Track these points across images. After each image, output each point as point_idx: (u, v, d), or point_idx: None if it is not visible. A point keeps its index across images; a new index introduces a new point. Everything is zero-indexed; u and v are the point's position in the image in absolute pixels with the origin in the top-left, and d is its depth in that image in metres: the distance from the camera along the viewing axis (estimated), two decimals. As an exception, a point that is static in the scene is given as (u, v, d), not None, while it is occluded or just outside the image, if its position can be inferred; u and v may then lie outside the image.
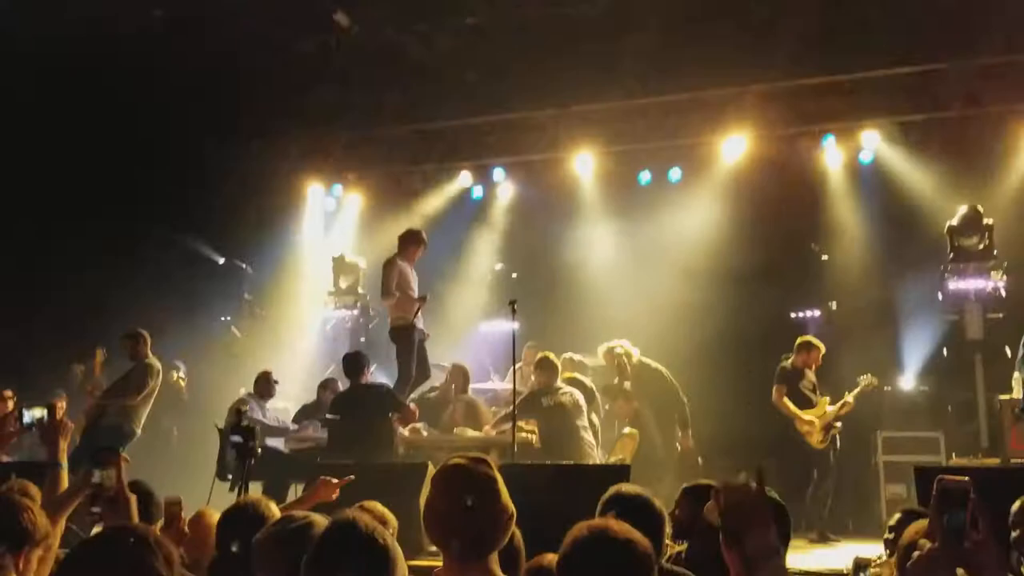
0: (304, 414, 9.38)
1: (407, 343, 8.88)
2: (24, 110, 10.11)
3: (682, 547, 3.68)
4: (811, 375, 9.00)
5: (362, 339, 11.65)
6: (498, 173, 12.25)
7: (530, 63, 10.51)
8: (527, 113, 11.81)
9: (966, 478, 1.99)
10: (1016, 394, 7.96)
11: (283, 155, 12.60)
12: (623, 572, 2.39)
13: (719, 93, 11.00)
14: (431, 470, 5.95)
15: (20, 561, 2.61)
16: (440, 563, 2.57)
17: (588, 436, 8.11)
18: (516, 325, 8.07)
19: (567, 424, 8.05)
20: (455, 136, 12.18)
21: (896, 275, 10.26)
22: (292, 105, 11.91)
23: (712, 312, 10.43)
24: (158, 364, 8.59)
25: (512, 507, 2.57)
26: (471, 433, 8.65)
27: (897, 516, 4.08)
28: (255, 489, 8.18)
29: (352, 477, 4.30)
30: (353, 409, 7.99)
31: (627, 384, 9.05)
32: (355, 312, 12.02)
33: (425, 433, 8.45)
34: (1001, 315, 9.40)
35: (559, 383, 8.39)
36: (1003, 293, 9.41)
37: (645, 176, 11.66)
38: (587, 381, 9.07)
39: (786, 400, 8.73)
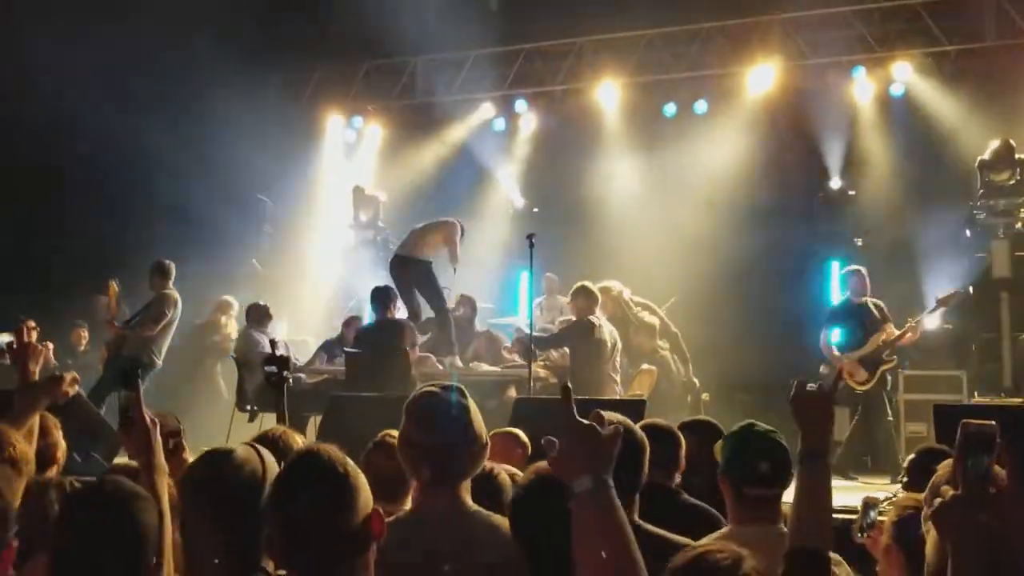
0: (326, 349, 9.40)
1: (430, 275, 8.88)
2: (34, 40, 10.03)
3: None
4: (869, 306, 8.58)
5: (381, 272, 11.62)
6: (520, 104, 12.06)
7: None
8: (550, 42, 11.60)
9: (992, 422, 1.93)
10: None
11: (302, 87, 12.48)
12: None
13: (746, 22, 10.75)
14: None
15: None
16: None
17: (617, 382, 8.04)
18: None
19: (603, 365, 7.95)
20: (476, 67, 11.98)
21: (924, 211, 10.05)
22: (311, 36, 11.77)
23: (736, 247, 10.32)
24: (176, 295, 8.60)
25: (486, 437, 2.56)
26: (486, 367, 8.66)
27: (911, 457, 4.00)
28: (270, 420, 8.30)
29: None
30: (372, 343, 8.00)
31: (651, 319, 8.94)
32: (375, 246, 11.98)
33: (440, 367, 8.46)
34: (1030, 252, 9.23)
35: (602, 317, 8.22)
36: (1033, 230, 9.23)
37: (670, 108, 11.45)
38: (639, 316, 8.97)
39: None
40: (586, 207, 11.64)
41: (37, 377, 3.20)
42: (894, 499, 3.48)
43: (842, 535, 3.58)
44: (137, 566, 2.09)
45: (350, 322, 9.46)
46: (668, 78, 11.26)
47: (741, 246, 10.32)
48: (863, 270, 8.58)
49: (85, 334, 10.47)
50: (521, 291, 11.36)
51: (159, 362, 8.50)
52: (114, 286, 8.71)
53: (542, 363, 8.32)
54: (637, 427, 2.93)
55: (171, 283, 8.65)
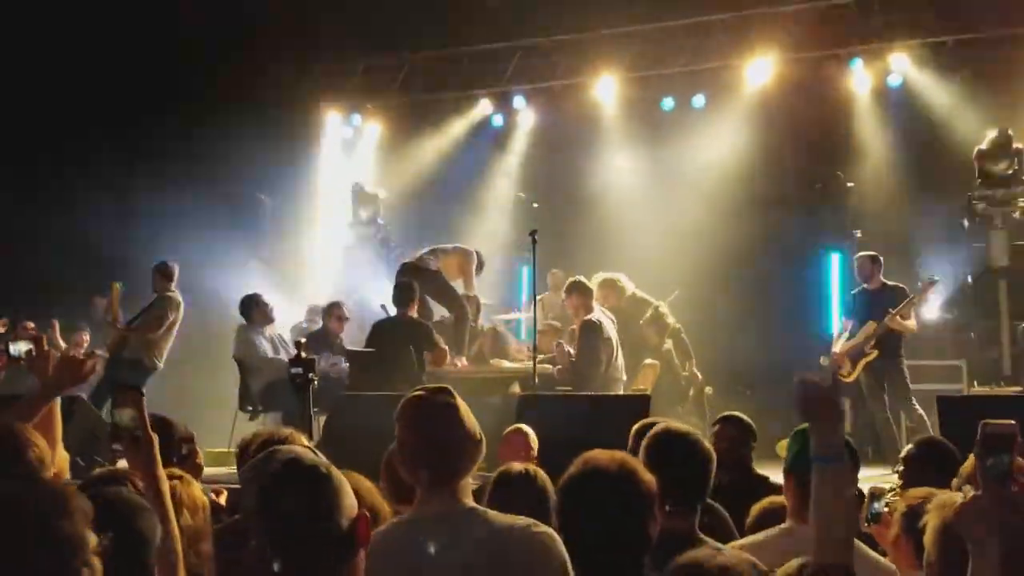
0: (314, 340, 9.30)
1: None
2: (37, 41, 10.04)
3: None
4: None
5: (381, 269, 11.64)
6: (518, 100, 12.07)
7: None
8: (548, 38, 11.61)
9: (1011, 422, 1.94)
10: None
11: (300, 84, 12.47)
12: (614, 507, 2.39)
13: (743, 15, 10.75)
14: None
15: None
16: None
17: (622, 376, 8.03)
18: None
19: (609, 364, 7.90)
20: (474, 63, 11.99)
21: (922, 201, 10.09)
22: (309, 33, 11.77)
23: (735, 239, 10.35)
24: (179, 297, 8.61)
25: (479, 433, 2.59)
26: (491, 364, 8.68)
27: (909, 448, 4.01)
28: (274, 419, 8.32)
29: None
30: (382, 340, 8.02)
31: (663, 314, 8.96)
32: (375, 243, 11.99)
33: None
34: (1027, 241, 9.28)
35: (599, 310, 8.19)
36: (1031, 219, 9.26)
37: (668, 102, 11.47)
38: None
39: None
40: (586, 201, 11.67)
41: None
42: (903, 492, 3.51)
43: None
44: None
45: (331, 310, 9.16)
46: (666, 72, 11.26)
47: (741, 238, 10.35)
48: (864, 255, 8.55)
49: (86, 337, 10.49)
50: (523, 286, 11.40)
51: (160, 364, 8.52)
52: (117, 287, 8.68)
53: (547, 359, 8.33)
54: (701, 442, 2.94)
55: (173, 285, 8.65)
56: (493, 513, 2.49)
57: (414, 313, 8.24)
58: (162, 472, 2.61)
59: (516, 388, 7.87)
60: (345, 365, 8.37)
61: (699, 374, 9.00)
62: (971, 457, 3.00)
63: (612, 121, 11.67)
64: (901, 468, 3.83)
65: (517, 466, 3.41)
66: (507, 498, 3.09)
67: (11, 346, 3.12)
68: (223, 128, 11.30)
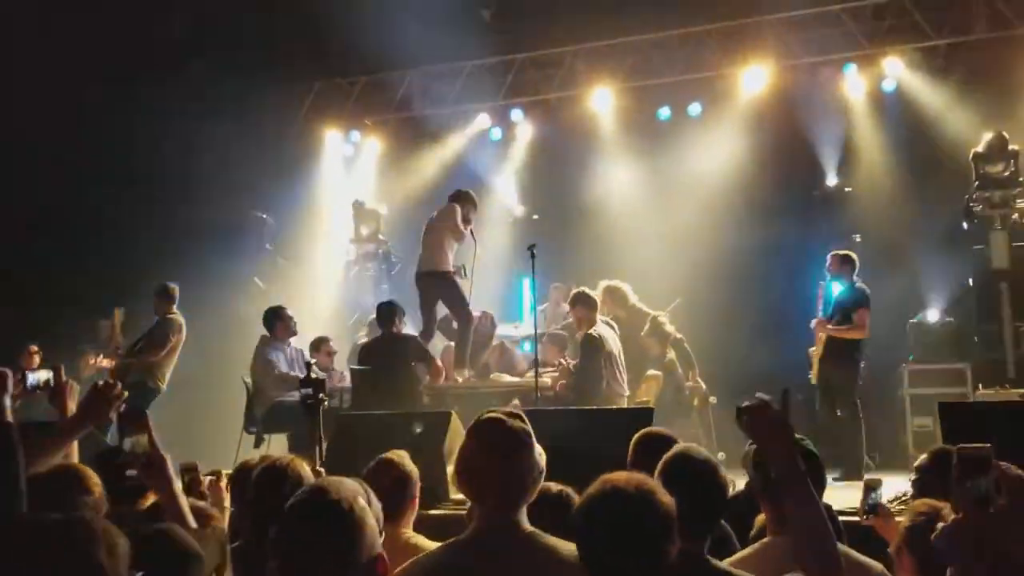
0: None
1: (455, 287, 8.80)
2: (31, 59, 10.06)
3: None
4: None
5: (384, 286, 11.67)
6: (516, 114, 12.12)
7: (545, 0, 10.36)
8: (543, 52, 11.66)
9: (987, 445, 1.96)
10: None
11: (299, 102, 12.53)
12: (635, 530, 2.39)
13: (737, 24, 10.80)
14: (454, 419, 6.00)
15: None
16: (461, 511, 2.60)
17: (624, 391, 8.02)
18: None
19: (610, 377, 7.87)
20: (472, 77, 12.04)
21: (920, 205, 10.11)
22: (307, 50, 11.82)
23: (734, 247, 10.38)
24: (181, 319, 8.61)
25: (542, 463, 2.61)
26: (492, 379, 8.69)
27: (923, 459, 4.00)
28: (278, 440, 8.33)
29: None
30: (378, 359, 8.03)
31: (668, 327, 8.97)
32: (377, 259, 12.02)
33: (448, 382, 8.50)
34: (1028, 243, 9.28)
35: (600, 322, 8.15)
36: (1030, 220, 9.27)
37: (664, 112, 11.52)
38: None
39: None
40: (585, 213, 11.70)
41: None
42: (909, 502, 3.51)
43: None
44: None
45: (319, 345, 9.00)
46: (661, 82, 11.31)
47: (740, 246, 10.38)
48: (832, 254, 8.54)
49: (93, 360, 10.51)
50: (524, 299, 11.41)
51: (164, 386, 8.52)
52: (119, 313, 8.70)
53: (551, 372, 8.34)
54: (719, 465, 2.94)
55: (175, 306, 8.65)
56: (552, 538, 2.50)
57: (398, 329, 8.23)
58: (179, 489, 2.64)
59: (517, 402, 7.87)
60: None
61: (703, 384, 9.01)
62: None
63: (609, 132, 11.72)
64: (914, 477, 3.84)
65: (554, 487, 3.41)
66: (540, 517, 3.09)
67: (29, 375, 3.14)
68: (222, 147, 11.36)
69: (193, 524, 2.66)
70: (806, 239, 10.57)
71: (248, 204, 12.29)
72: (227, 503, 3.58)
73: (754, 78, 10.78)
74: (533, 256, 7.72)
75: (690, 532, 2.78)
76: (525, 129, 12.31)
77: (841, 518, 3.81)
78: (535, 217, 12.26)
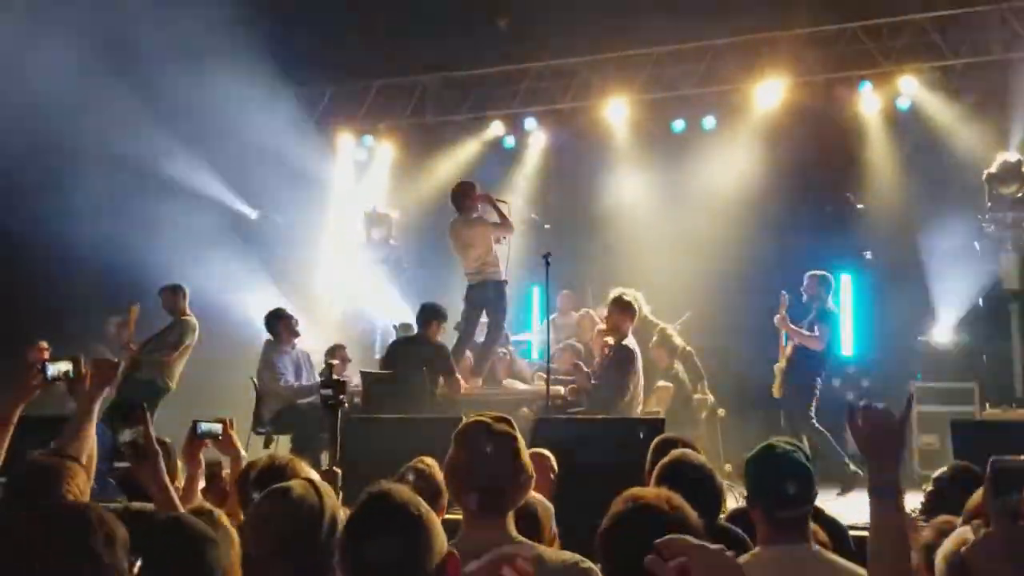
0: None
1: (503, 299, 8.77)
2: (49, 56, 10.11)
3: None
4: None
5: (395, 290, 11.70)
6: (530, 122, 12.14)
7: (561, 10, 10.39)
8: (559, 61, 11.70)
9: (1022, 457, 1.94)
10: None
11: (313, 106, 12.57)
12: None
13: (753, 38, 10.82)
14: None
15: None
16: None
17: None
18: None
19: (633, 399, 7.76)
20: (486, 85, 12.08)
21: (933, 224, 10.11)
22: (321, 55, 11.87)
23: (745, 261, 10.37)
24: (195, 321, 8.64)
25: (532, 470, 2.61)
26: (505, 387, 8.69)
27: (944, 470, 4.00)
28: (284, 442, 8.35)
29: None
30: (396, 361, 8.03)
31: (677, 340, 8.98)
32: (388, 264, 12.04)
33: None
34: (1040, 265, 9.28)
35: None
36: (1042, 242, 9.28)
37: (678, 124, 11.53)
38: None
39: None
40: (596, 223, 11.72)
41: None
42: (928, 518, 3.51)
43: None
44: None
45: (335, 352, 8.91)
46: (676, 95, 11.33)
47: (751, 260, 10.37)
48: (809, 275, 8.66)
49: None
50: (533, 308, 11.43)
51: (173, 386, 8.55)
52: (135, 310, 8.73)
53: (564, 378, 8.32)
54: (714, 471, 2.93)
55: (188, 307, 8.68)
56: (542, 547, 2.51)
57: (435, 334, 8.21)
58: (168, 482, 2.67)
59: (525, 410, 7.84)
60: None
61: (710, 396, 9.01)
62: (976, 494, 3.01)
63: (622, 143, 11.72)
64: (930, 488, 3.84)
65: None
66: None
67: (49, 367, 3.16)
68: (236, 148, 11.41)
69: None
70: (817, 255, 10.54)
71: (260, 206, 12.35)
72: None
73: (769, 93, 10.78)
74: (548, 264, 7.71)
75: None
76: (538, 138, 12.33)
77: (852, 533, 3.81)
78: (547, 226, 12.24)
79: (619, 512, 2.33)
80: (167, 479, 2.83)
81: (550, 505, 3.25)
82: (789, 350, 8.50)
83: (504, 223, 8.61)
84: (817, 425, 8.17)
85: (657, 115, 11.54)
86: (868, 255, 10.45)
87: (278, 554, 2.16)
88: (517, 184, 12.40)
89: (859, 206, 10.87)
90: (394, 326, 9.12)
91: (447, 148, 12.37)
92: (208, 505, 2.93)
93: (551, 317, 9.58)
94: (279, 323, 8.57)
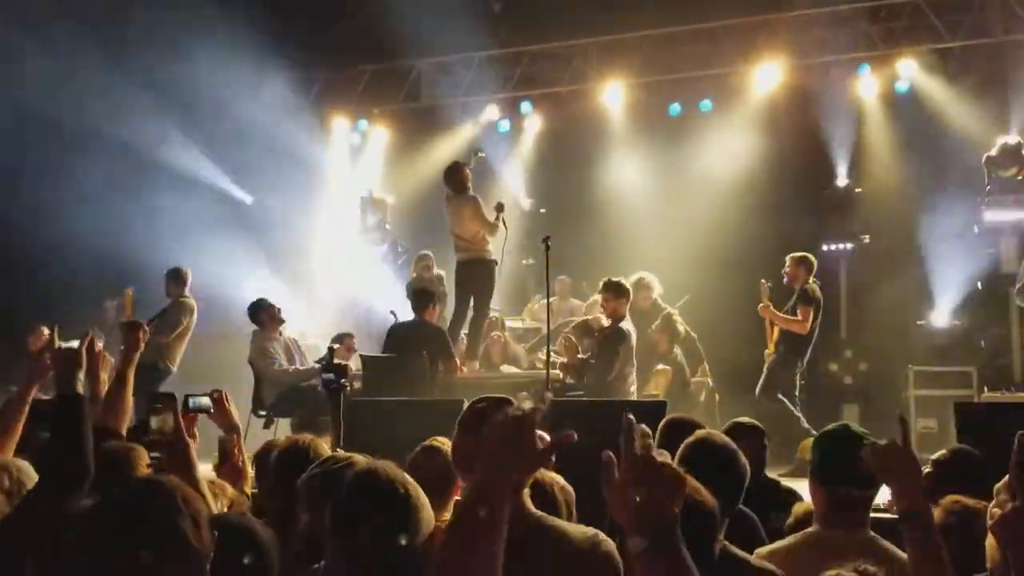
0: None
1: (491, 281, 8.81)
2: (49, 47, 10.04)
3: None
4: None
5: (390, 272, 11.65)
6: (525, 106, 12.07)
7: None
8: (554, 44, 11.62)
9: None
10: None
11: (307, 90, 12.48)
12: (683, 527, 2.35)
13: (750, 20, 10.76)
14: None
15: None
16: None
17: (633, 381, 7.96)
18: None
19: (628, 369, 7.80)
20: (481, 68, 12.00)
21: (931, 207, 10.09)
22: (315, 38, 11.77)
23: (743, 244, 10.34)
24: (193, 302, 8.61)
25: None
26: (504, 371, 8.66)
27: (943, 452, 3.99)
28: (285, 425, 8.31)
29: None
30: (396, 344, 8.04)
31: (675, 320, 8.96)
32: (383, 248, 11.98)
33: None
34: (1038, 248, 9.28)
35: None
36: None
37: (675, 107, 11.47)
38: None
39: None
40: (593, 207, 11.66)
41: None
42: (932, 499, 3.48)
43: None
44: None
45: (341, 339, 8.85)
46: (673, 78, 11.26)
47: (748, 243, 10.34)
48: (789, 256, 8.65)
49: (99, 344, 10.43)
50: (530, 291, 11.38)
51: (174, 368, 8.53)
52: (130, 293, 8.71)
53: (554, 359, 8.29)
54: (739, 452, 2.88)
55: (187, 290, 8.65)
56: (559, 522, 2.47)
57: (431, 318, 8.23)
58: (200, 475, 2.62)
59: (524, 395, 7.82)
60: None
61: (709, 379, 9.00)
62: (1006, 477, 2.98)
63: (619, 126, 11.67)
64: (929, 470, 3.82)
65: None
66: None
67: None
68: (230, 133, 11.33)
69: (214, 509, 2.63)
70: (815, 238, 10.56)
71: (255, 190, 12.27)
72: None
73: (767, 76, 10.73)
74: (547, 248, 7.67)
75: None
76: (534, 121, 12.27)
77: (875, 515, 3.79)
78: (542, 210, 12.21)
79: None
80: (197, 473, 2.78)
81: (571, 489, 3.19)
82: (776, 335, 8.45)
83: (493, 226, 8.66)
84: (779, 396, 8.20)
85: (654, 98, 11.48)
86: (866, 238, 10.41)
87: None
88: (512, 168, 12.35)
89: (857, 189, 10.84)
90: (392, 312, 9.09)
91: (442, 132, 12.29)
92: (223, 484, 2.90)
93: (551, 299, 9.55)
94: (262, 313, 8.61)
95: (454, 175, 8.89)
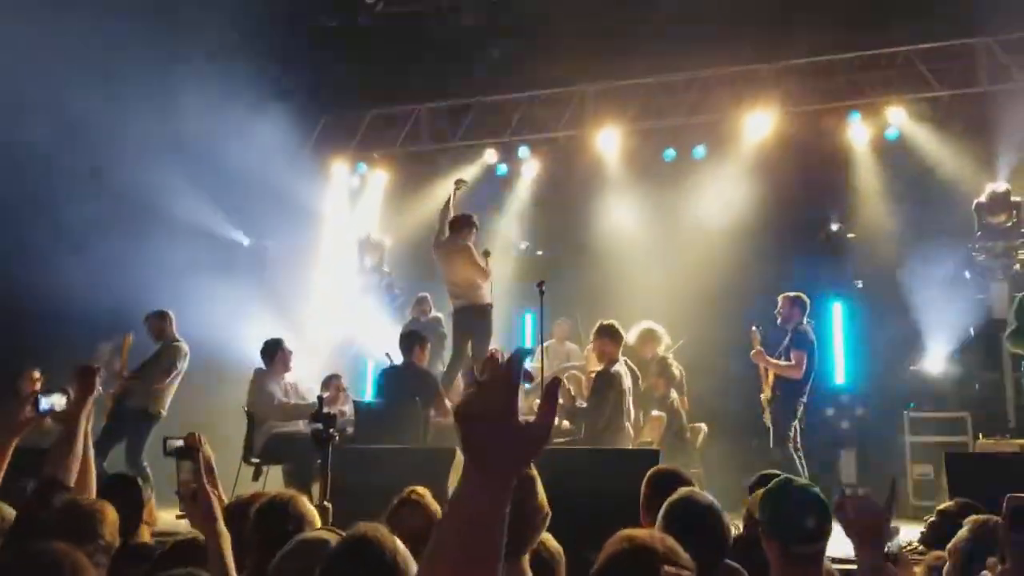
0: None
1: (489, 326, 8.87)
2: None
3: None
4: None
5: (386, 316, 11.69)
6: (523, 151, 12.21)
7: (554, 39, 10.46)
8: (552, 90, 11.77)
9: None
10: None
11: (307, 134, 12.61)
12: None
13: (743, 69, 10.91)
14: (459, 456, 5.98)
15: None
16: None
17: (630, 428, 7.94)
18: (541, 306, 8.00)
19: (621, 416, 7.78)
20: (480, 114, 12.15)
21: (922, 253, 10.17)
22: (315, 82, 11.92)
23: (737, 289, 10.40)
24: (186, 347, 8.62)
25: (547, 508, 2.58)
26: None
27: (951, 504, 4.00)
28: (276, 471, 8.29)
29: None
30: (386, 389, 8.04)
31: (671, 364, 9.01)
32: (380, 291, 12.04)
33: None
34: (1029, 294, 9.31)
35: (628, 362, 8.16)
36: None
37: (670, 153, 11.60)
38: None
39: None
40: (589, 250, 11.75)
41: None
42: (922, 553, 3.51)
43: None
44: None
45: (331, 381, 8.94)
46: (668, 124, 11.41)
47: (742, 288, 10.39)
48: (783, 296, 8.70)
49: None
50: (526, 335, 11.43)
51: (164, 413, 8.50)
52: (129, 338, 8.70)
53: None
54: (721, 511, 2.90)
55: (176, 332, 8.65)
56: None
57: (421, 360, 8.26)
58: (223, 528, 2.62)
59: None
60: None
61: (704, 427, 9.02)
62: (957, 536, 3.02)
63: (615, 171, 11.79)
64: (933, 519, 3.84)
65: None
66: None
67: (42, 399, 3.14)
68: (230, 176, 11.41)
69: (231, 571, 2.62)
70: (808, 284, 10.59)
71: (252, 233, 12.34)
72: None
73: (759, 123, 10.87)
74: (542, 293, 7.74)
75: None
76: (532, 166, 12.39)
77: (837, 566, 3.80)
78: (539, 253, 12.29)
79: (614, 553, 2.32)
80: (220, 526, 2.73)
81: (560, 549, 3.21)
82: (771, 378, 8.48)
83: (485, 272, 8.80)
84: (790, 448, 8.21)
85: (649, 144, 11.62)
86: (859, 284, 10.47)
87: None
88: (509, 211, 12.45)
89: (850, 235, 10.93)
90: (387, 354, 9.13)
91: (440, 176, 12.40)
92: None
93: (545, 344, 9.59)
94: (279, 352, 8.53)
95: (463, 227, 8.97)
